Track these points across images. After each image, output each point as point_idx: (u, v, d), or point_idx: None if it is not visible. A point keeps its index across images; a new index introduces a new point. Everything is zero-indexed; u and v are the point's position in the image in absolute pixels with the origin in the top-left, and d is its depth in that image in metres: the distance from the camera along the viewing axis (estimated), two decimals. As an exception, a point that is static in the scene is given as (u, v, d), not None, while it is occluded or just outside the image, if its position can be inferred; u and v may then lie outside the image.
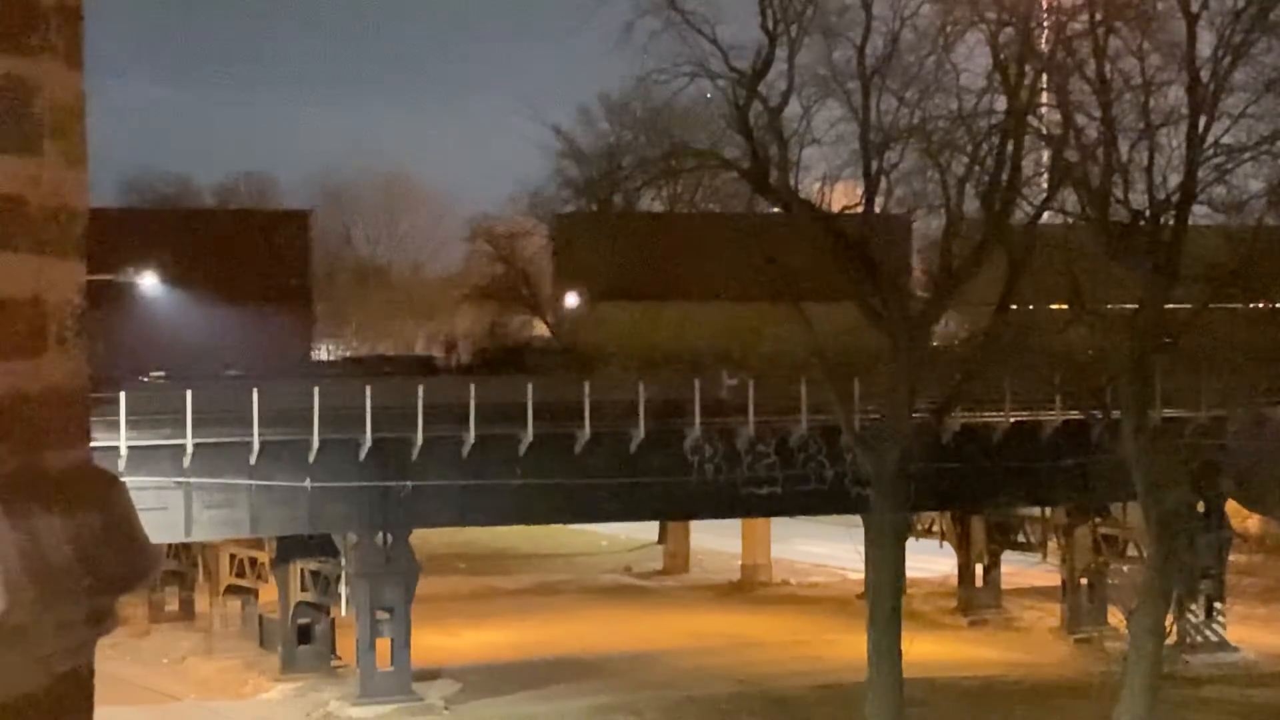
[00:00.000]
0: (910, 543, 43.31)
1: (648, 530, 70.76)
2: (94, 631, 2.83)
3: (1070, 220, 40.80)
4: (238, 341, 54.27)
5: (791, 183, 39.55)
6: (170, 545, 48.70)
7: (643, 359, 49.05)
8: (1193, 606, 49.53)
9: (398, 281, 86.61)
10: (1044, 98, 40.71)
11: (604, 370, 47.94)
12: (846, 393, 40.22)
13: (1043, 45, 39.38)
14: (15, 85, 2.74)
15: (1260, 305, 42.33)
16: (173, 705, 46.03)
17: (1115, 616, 50.64)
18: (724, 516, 55.58)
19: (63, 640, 2.74)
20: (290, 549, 47.37)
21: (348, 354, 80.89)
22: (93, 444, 2.94)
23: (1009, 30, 38.72)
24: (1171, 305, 38.62)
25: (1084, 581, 53.55)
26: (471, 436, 44.05)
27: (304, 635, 48.48)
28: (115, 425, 39.86)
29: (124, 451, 40.53)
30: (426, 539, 50.06)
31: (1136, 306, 38.43)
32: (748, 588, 64.15)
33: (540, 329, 72.37)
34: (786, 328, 55.07)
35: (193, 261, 55.98)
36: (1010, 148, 38.78)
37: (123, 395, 40.65)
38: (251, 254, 58.26)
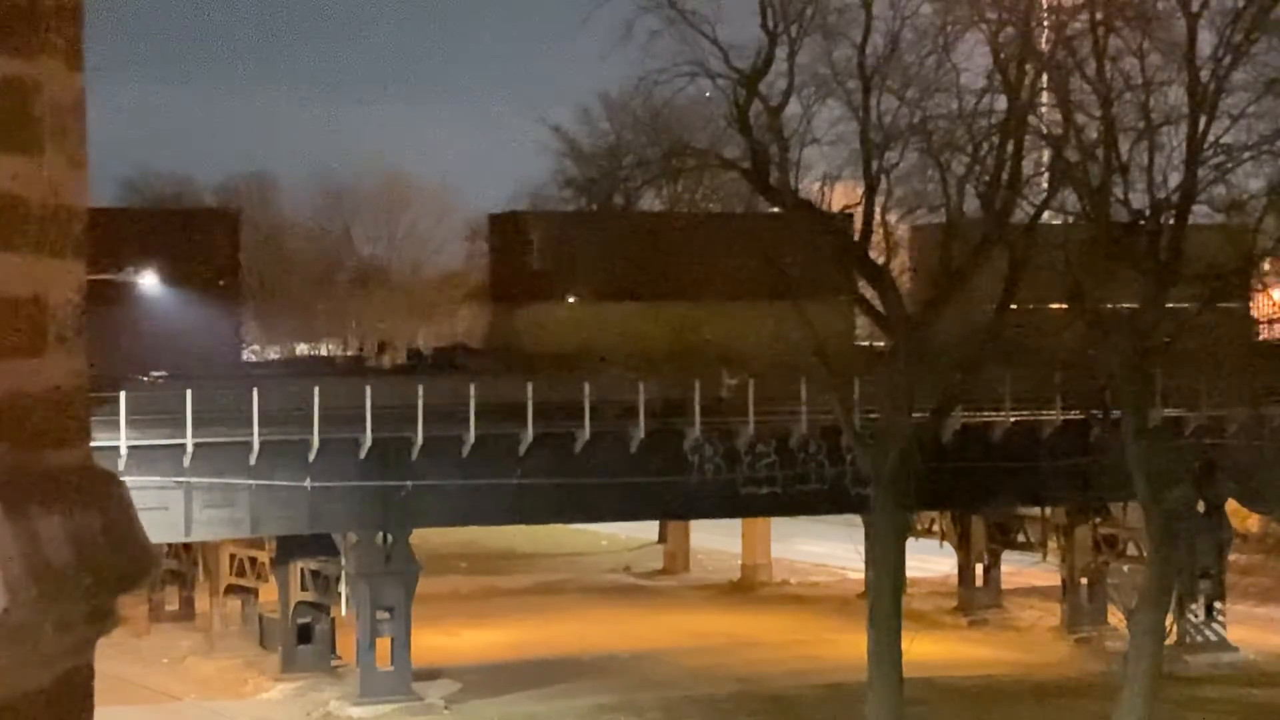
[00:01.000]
0: (910, 542, 43.26)
1: (648, 530, 70.74)
2: (94, 631, 2.83)
3: (1070, 220, 40.79)
4: (165, 343, 53.60)
5: (791, 182, 39.52)
6: (170, 545, 48.70)
7: (578, 360, 48.72)
8: (1193, 606, 49.53)
9: (398, 281, 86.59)
10: (1044, 98, 40.71)
11: (543, 372, 47.33)
12: (846, 393, 40.21)
13: (1043, 45, 39.37)
14: (15, 85, 2.74)
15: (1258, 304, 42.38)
16: (173, 705, 46.03)
17: (1115, 616, 50.66)
18: (724, 516, 55.59)
19: (63, 639, 2.75)
20: (290, 549, 47.36)
21: (279, 355, 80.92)
22: (93, 444, 2.95)
23: (1009, 30, 38.71)
24: (1171, 305, 38.60)
25: (1084, 581, 53.55)
26: (471, 436, 44.05)
27: (304, 635, 48.47)
28: (115, 425, 39.87)
29: (124, 451, 40.53)
30: (426, 539, 50.06)
31: (1136, 306, 38.44)
32: (748, 587, 64.14)
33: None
34: (735, 326, 55.30)
35: (118, 260, 55.29)
36: (1010, 148, 38.76)
37: (123, 395, 40.66)
38: (179, 254, 57.58)
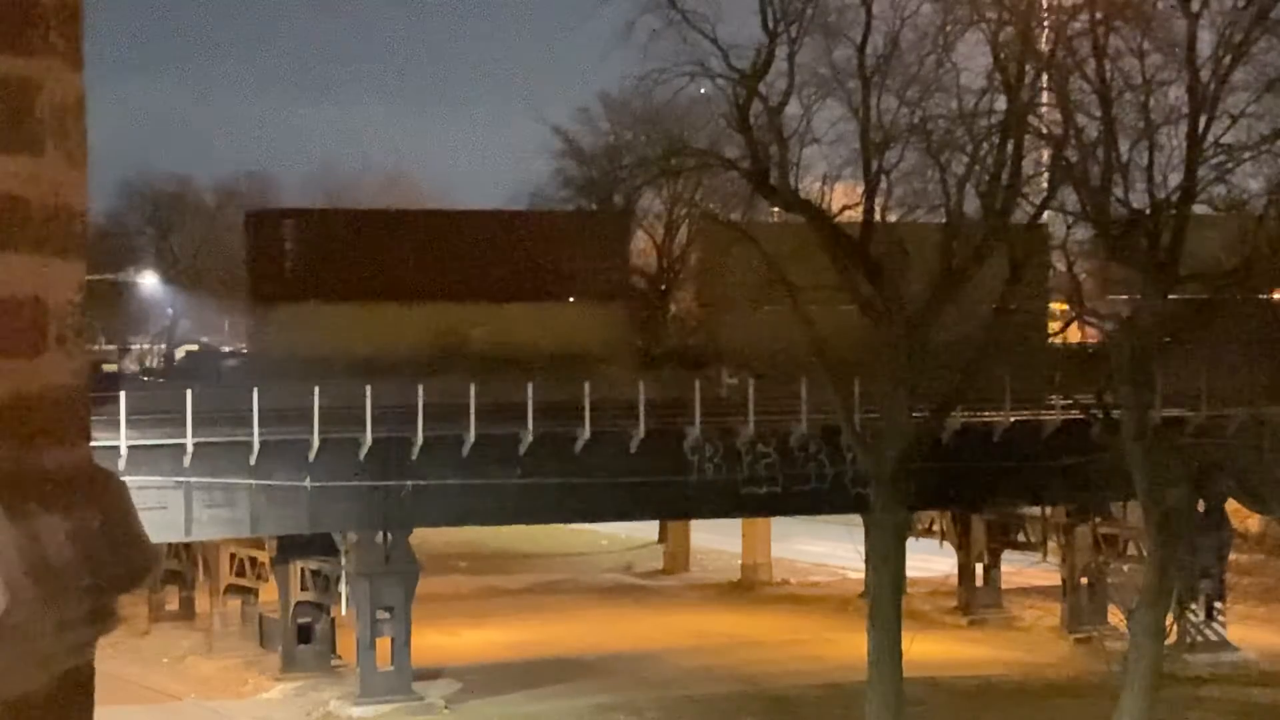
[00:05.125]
0: (910, 542, 43.28)
1: (648, 530, 70.74)
2: (94, 631, 2.83)
3: (1070, 219, 40.80)
4: None
5: (792, 182, 39.53)
6: (170, 545, 48.68)
7: (323, 364, 48.66)
8: (1193, 606, 49.52)
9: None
10: (1044, 98, 40.71)
11: (282, 377, 46.84)
12: (846, 392, 40.22)
13: (1043, 45, 39.37)
14: (15, 85, 2.74)
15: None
16: (173, 705, 46.04)
17: (1115, 616, 50.62)
18: (724, 516, 55.60)
19: (63, 639, 2.75)
20: (290, 548, 47.37)
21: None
22: (93, 443, 2.95)
23: (1009, 30, 38.71)
24: (1173, 296, 38.60)
25: (1084, 581, 53.55)
26: (471, 436, 44.06)
27: (304, 635, 48.47)
28: (115, 425, 39.88)
29: (124, 451, 40.54)
30: (426, 539, 50.06)
31: (1136, 306, 38.45)
32: (748, 587, 64.14)
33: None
34: (497, 328, 55.37)
35: None
36: (1010, 148, 38.77)
37: (123, 395, 40.68)
38: None
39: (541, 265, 56.44)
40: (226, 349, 71.20)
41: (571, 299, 56.80)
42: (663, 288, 68.09)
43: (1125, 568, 50.85)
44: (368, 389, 42.82)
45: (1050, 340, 46.48)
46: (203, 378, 52.62)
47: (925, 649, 43.36)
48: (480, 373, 45.19)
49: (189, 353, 66.34)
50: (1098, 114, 38.21)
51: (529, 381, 44.12)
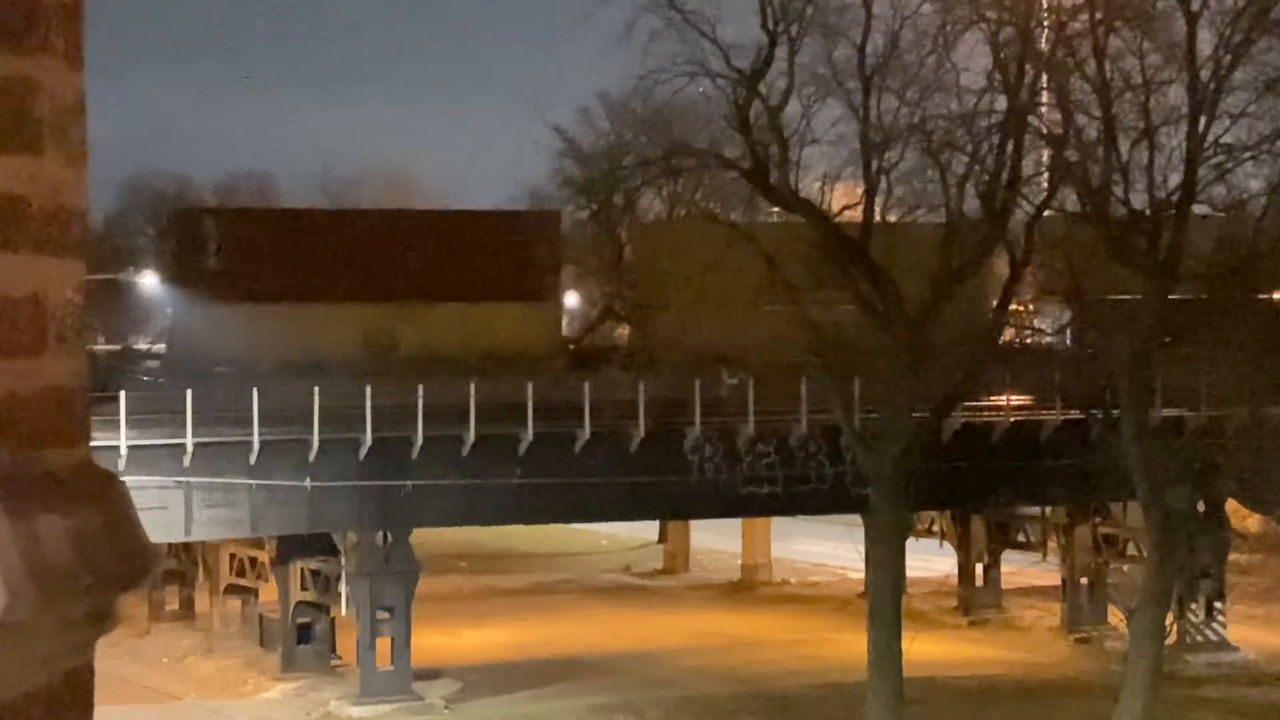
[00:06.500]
0: (910, 542, 43.30)
1: (648, 530, 70.75)
2: (94, 631, 2.83)
3: (1071, 219, 40.80)
4: None
5: (791, 182, 39.53)
6: (170, 544, 48.68)
7: (249, 366, 48.56)
8: (1193, 606, 49.52)
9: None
10: (1044, 98, 40.71)
11: (209, 378, 46.74)
12: (846, 393, 40.22)
13: (1043, 45, 39.38)
14: (15, 85, 2.74)
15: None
16: (173, 704, 46.03)
17: (1115, 616, 50.66)
18: (724, 516, 55.61)
19: (63, 639, 2.75)
20: (290, 548, 47.36)
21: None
22: (93, 443, 2.94)
23: (1009, 30, 38.72)
24: (1174, 296, 38.60)
25: (1084, 581, 53.55)
26: (471, 436, 44.06)
27: (304, 635, 48.47)
28: (115, 425, 39.88)
29: (124, 451, 40.55)
30: (426, 539, 50.05)
31: (1137, 305, 38.45)
32: (748, 587, 64.13)
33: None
34: (425, 329, 55.36)
35: None
36: (1010, 147, 38.78)
37: (123, 395, 40.67)
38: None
39: (469, 264, 56.68)
40: (144, 348, 70.80)
41: (499, 298, 56.92)
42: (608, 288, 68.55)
43: (1125, 568, 50.84)
44: (367, 389, 42.84)
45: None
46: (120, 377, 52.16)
47: (925, 649, 43.38)
48: (418, 374, 45.19)
49: (109, 352, 65.89)
50: (1098, 114, 38.22)
51: (526, 383, 44.14)
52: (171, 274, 59.49)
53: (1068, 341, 46.30)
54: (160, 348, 61.04)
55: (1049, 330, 46.53)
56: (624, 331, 66.16)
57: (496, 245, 57.22)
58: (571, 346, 63.08)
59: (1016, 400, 49.44)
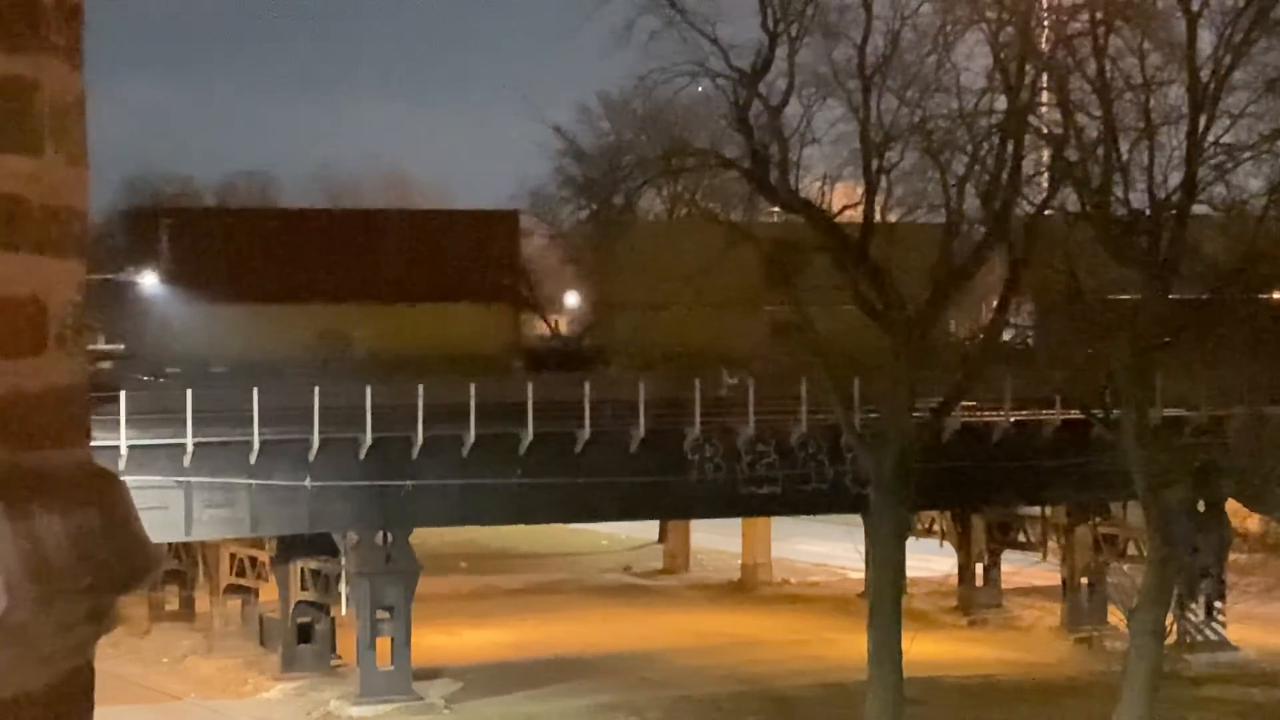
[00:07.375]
0: (910, 542, 43.26)
1: (648, 530, 70.73)
2: (94, 630, 2.83)
3: (1071, 219, 40.79)
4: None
5: (791, 182, 39.53)
6: (170, 544, 48.68)
7: (201, 367, 48.40)
8: (1193, 606, 49.51)
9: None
10: (1044, 98, 40.71)
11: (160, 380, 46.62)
12: (846, 393, 40.21)
13: (1043, 45, 39.37)
14: (15, 85, 2.74)
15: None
16: (173, 704, 46.02)
17: (1115, 616, 50.62)
18: (724, 516, 55.60)
19: (63, 639, 2.75)
20: (290, 548, 47.35)
21: None
22: (93, 443, 2.95)
23: (1009, 30, 38.71)
24: (1174, 296, 38.60)
25: (1084, 581, 53.55)
26: (471, 436, 44.05)
27: (304, 634, 48.46)
28: (115, 425, 39.87)
29: (124, 451, 40.54)
30: (426, 538, 50.04)
31: (1137, 305, 38.44)
32: (748, 587, 64.11)
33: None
34: (377, 329, 55.30)
35: None
36: (1010, 147, 38.78)
37: (123, 395, 40.66)
38: None
39: (429, 264, 56.71)
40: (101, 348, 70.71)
41: (458, 298, 56.98)
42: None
43: (1125, 568, 50.82)
44: (368, 389, 42.84)
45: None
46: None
47: (925, 649, 43.36)
48: (373, 374, 45.21)
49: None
50: (1098, 114, 38.22)
51: (527, 384, 44.14)
52: (131, 273, 59.40)
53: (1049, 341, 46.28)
54: (119, 347, 61.01)
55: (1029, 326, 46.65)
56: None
57: (452, 245, 57.29)
58: (557, 346, 63.01)
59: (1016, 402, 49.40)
